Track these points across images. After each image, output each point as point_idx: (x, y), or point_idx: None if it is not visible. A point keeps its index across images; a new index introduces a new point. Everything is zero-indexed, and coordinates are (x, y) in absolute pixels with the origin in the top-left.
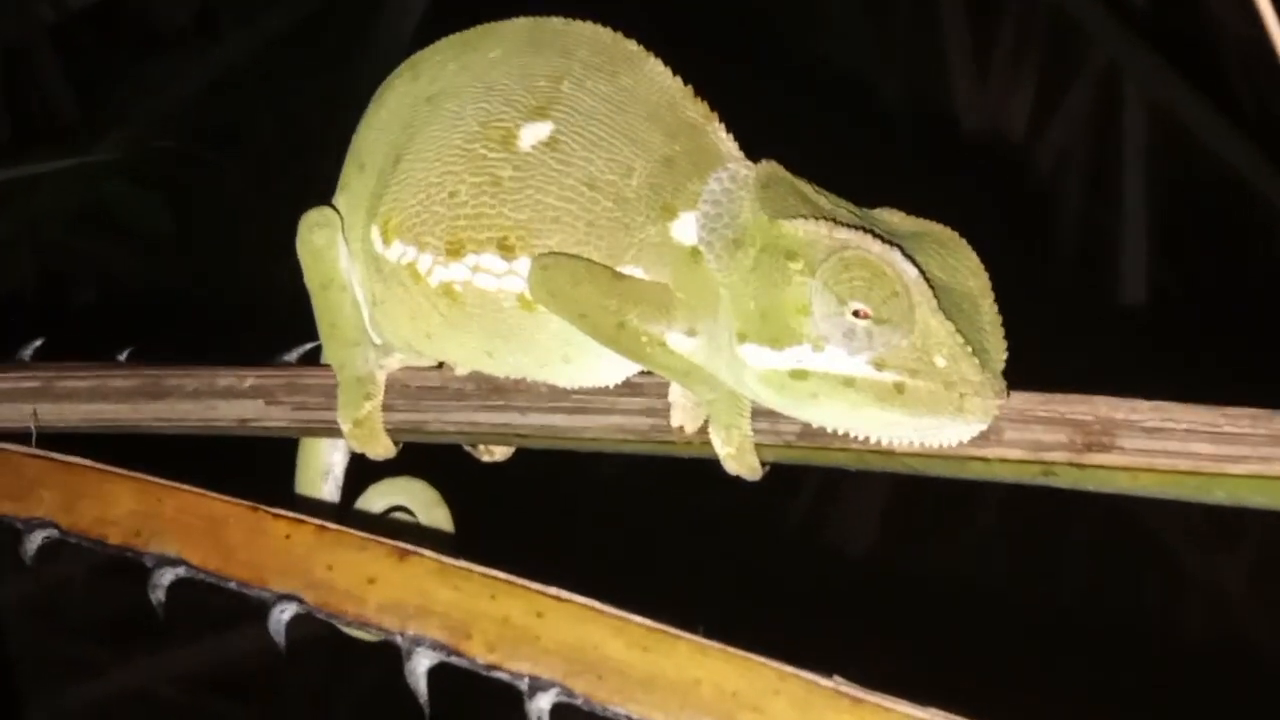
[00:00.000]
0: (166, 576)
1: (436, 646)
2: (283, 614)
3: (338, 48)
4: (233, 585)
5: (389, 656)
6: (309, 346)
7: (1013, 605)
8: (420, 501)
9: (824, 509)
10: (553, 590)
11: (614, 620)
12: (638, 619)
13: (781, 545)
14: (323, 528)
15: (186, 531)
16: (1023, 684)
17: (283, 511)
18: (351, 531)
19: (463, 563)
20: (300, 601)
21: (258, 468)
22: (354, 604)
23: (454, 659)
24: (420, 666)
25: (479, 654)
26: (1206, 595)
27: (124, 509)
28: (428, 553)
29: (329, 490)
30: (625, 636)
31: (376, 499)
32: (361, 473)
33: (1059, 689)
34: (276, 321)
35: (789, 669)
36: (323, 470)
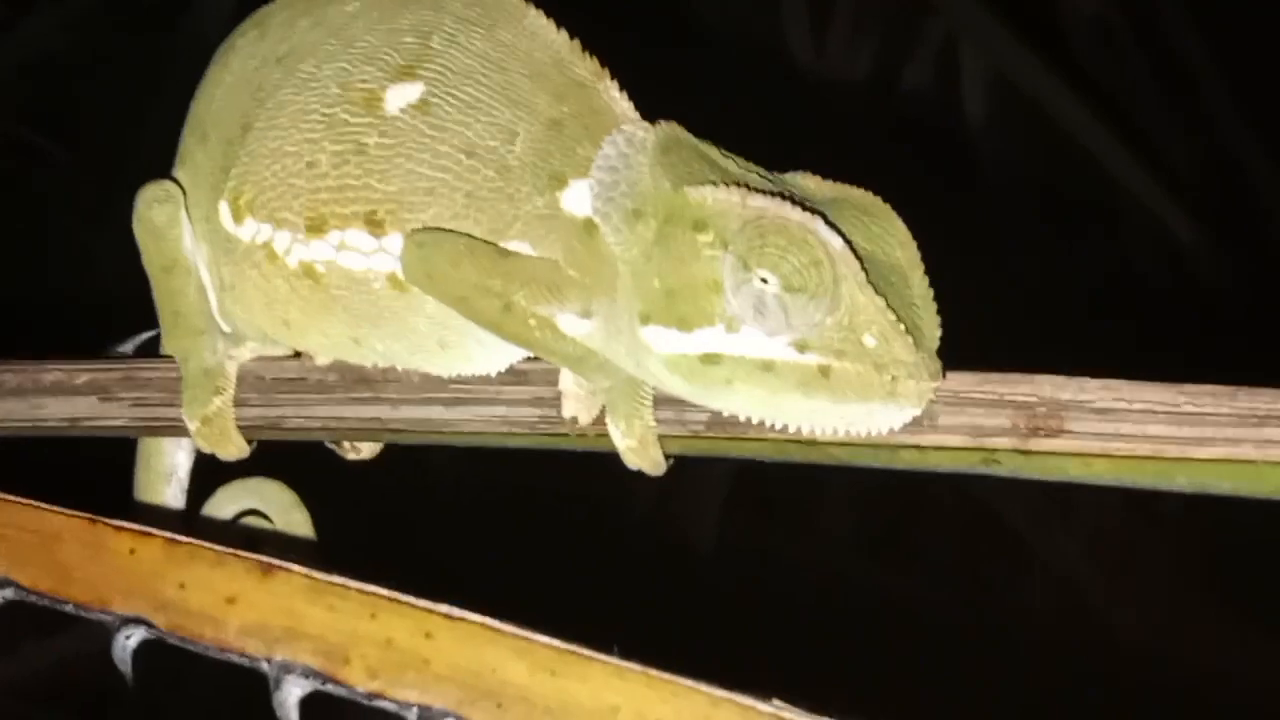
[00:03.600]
0: None
1: (309, 673)
2: (129, 640)
3: (158, 16)
4: (70, 608)
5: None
6: (146, 336)
7: (863, 588)
8: (276, 505)
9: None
10: (443, 608)
11: (515, 640)
12: (543, 639)
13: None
14: (172, 541)
15: (14, 548)
16: (874, 670)
17: (126, 524)
18: (206, 545)
19: (337, 578)
20: (149, 625)
21: (90, 472)
22: (212, 627)
23: (330, 687)
24: (291, 696)
25: (359, 681)
26: (1049, 570)
27: None
28: (296, 568)
29: (173, 494)
30: (529, 659)
31: (226, 503)
32: (210, 473)
33: (909, 671)
34: (105, 308)
35: (721, 693)
36: (165, 473)
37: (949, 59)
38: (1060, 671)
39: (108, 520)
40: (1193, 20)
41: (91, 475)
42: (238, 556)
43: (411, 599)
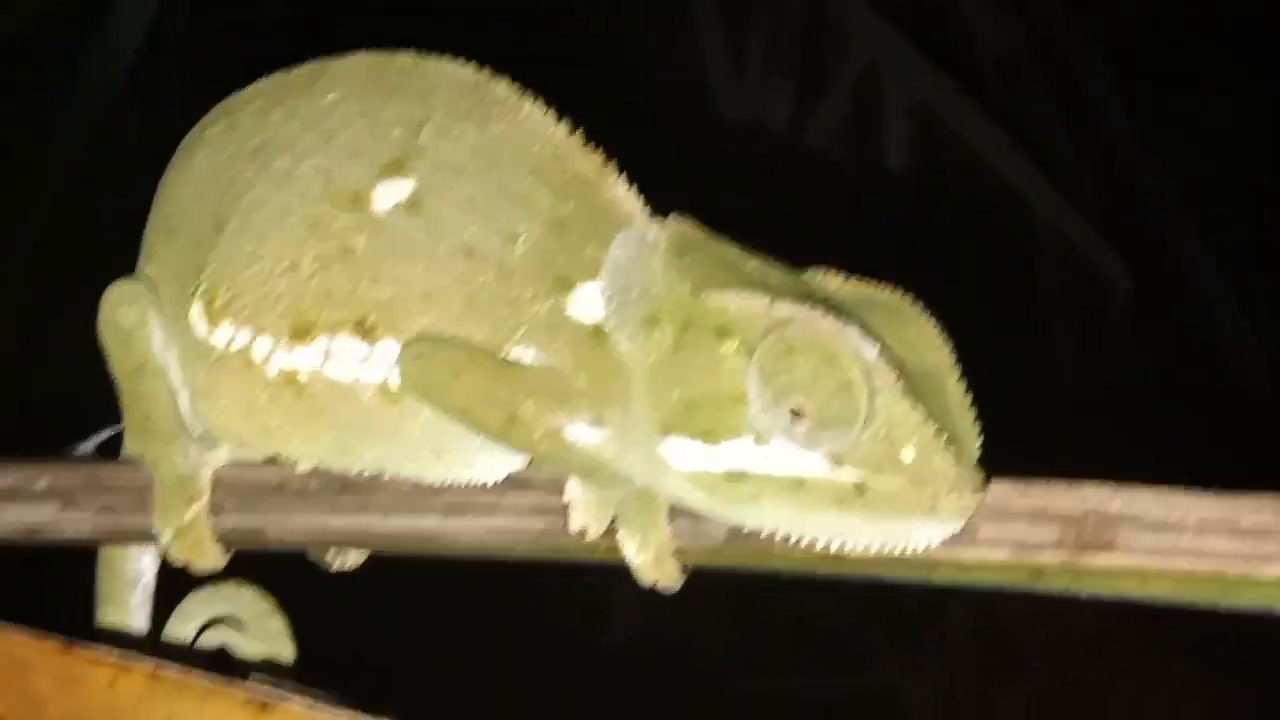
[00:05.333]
0: None
1: None
2: None
3: (47, 74)
4: None
5: None
6: (106, 434)
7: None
8: (250, 611)
9: None
10: None
11: None
12: None
13: None
14: (156, 674)
15: None
16: None
17: (102, 653)
18: (194, 679)
19: (344, 713)
20: None
21: (44, 576)
22: None
23: None
24: None
25: None
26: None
27: None
28: (295, 702)
29: (138, 600)
30: None
31: (197, 609)
32: (178, 575)
33: None
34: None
35: None
36: (131, 578)
37: (870, 96)
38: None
39: (83, 648)
40: (1104, 60)
41: (45, 580)
42: (229, 691)
43: None
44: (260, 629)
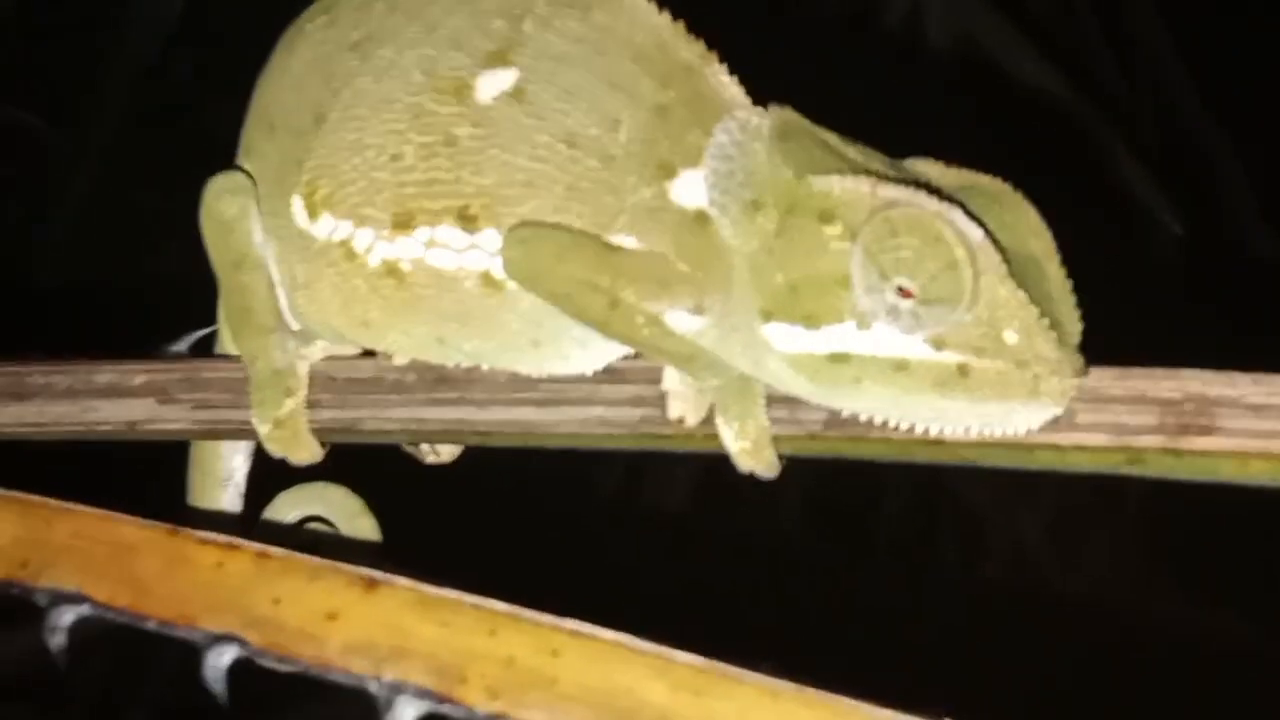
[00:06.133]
0: (66, 616)
1: (423, 694)
2: (221, 659)
3: None
4: (151, 625)
5: (179, 652)
6: (200, 334)
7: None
8: (341, 511)
9: None
10: (570, 623)
11: (653, 659)
12: (683, 655)
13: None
14: (264, 554)
15: (87, 561)
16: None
17: (210, 535)
18: (301, 557)
19: (449, 592)
20: (242, 643)
21: (129, 476)
22: (312, 645)
23: (446, 708)
24: (405, 718)
25: (478, 702)
26: (1005, 547)
27: (5, 535)
28: (401, 581)
29: (230, 500)
30: (669, 678)
31: (287, 509)
32: (265, 478)
33: (872, 642)
34: (145, 305)
35: (889, 713)
36: (222, 477)
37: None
38: (1014, 643)
39: (190, 531)
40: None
41: (131, 479)
42: (337, 569)
43: (534, 614)
44: (350, 529)
